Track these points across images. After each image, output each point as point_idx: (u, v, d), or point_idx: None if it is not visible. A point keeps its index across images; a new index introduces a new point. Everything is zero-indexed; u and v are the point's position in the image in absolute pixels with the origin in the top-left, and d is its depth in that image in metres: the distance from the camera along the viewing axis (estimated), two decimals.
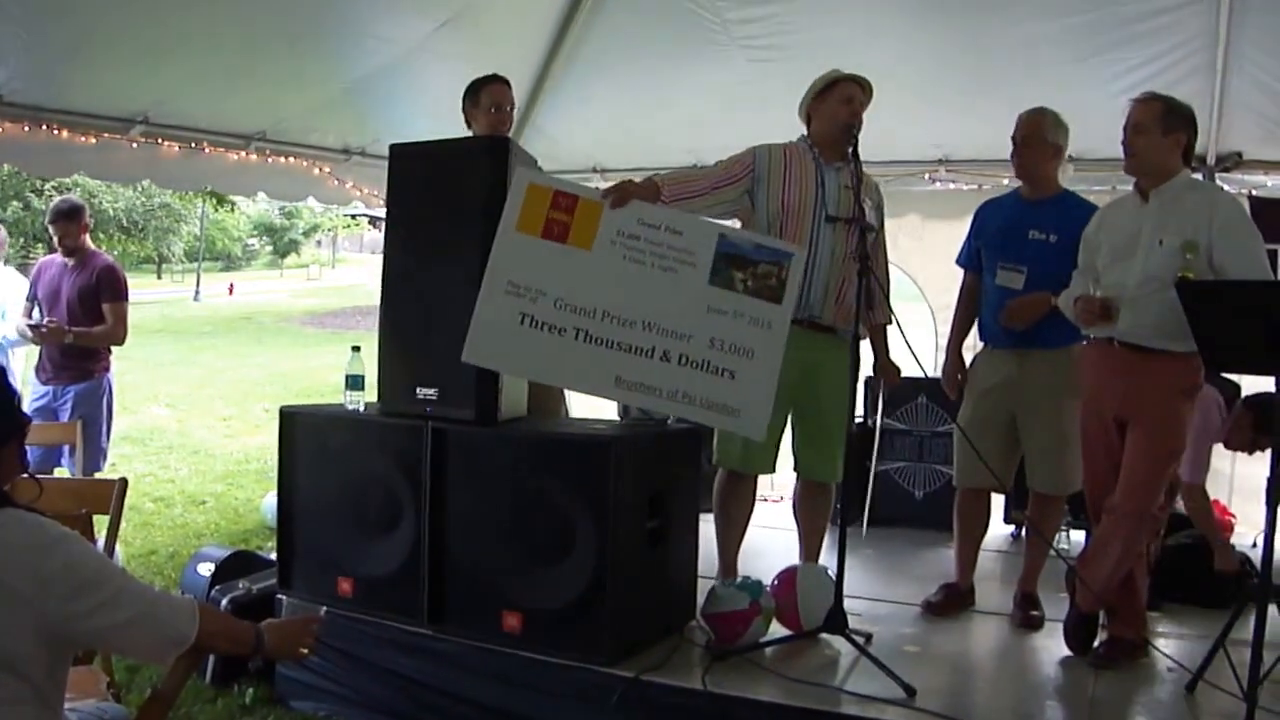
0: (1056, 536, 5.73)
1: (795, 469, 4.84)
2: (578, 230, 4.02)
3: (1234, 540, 6.17)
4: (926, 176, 6.97)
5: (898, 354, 4.77)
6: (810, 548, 4.87)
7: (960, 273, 5.11)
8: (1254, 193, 6.30)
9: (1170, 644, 4.33)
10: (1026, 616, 4.69)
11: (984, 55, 6.01)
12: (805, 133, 4.72)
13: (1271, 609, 3.60)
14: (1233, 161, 6.34)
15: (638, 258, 4.05)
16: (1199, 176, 5.64)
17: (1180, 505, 5.31)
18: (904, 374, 4.93)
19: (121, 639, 2.38)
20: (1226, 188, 5.57)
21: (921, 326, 5.02)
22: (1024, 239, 4.69)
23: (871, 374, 4.91)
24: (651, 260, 4.05)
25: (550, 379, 4.03)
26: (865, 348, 4.75)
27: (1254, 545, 5.94)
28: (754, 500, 4.86)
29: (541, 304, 3.97)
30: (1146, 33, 5.66)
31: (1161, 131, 4.02)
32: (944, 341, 5.03)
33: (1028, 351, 4.69)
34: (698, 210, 4.42)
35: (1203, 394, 4.66)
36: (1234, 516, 6.41)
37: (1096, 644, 4.22)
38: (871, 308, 4.09)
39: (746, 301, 4.08)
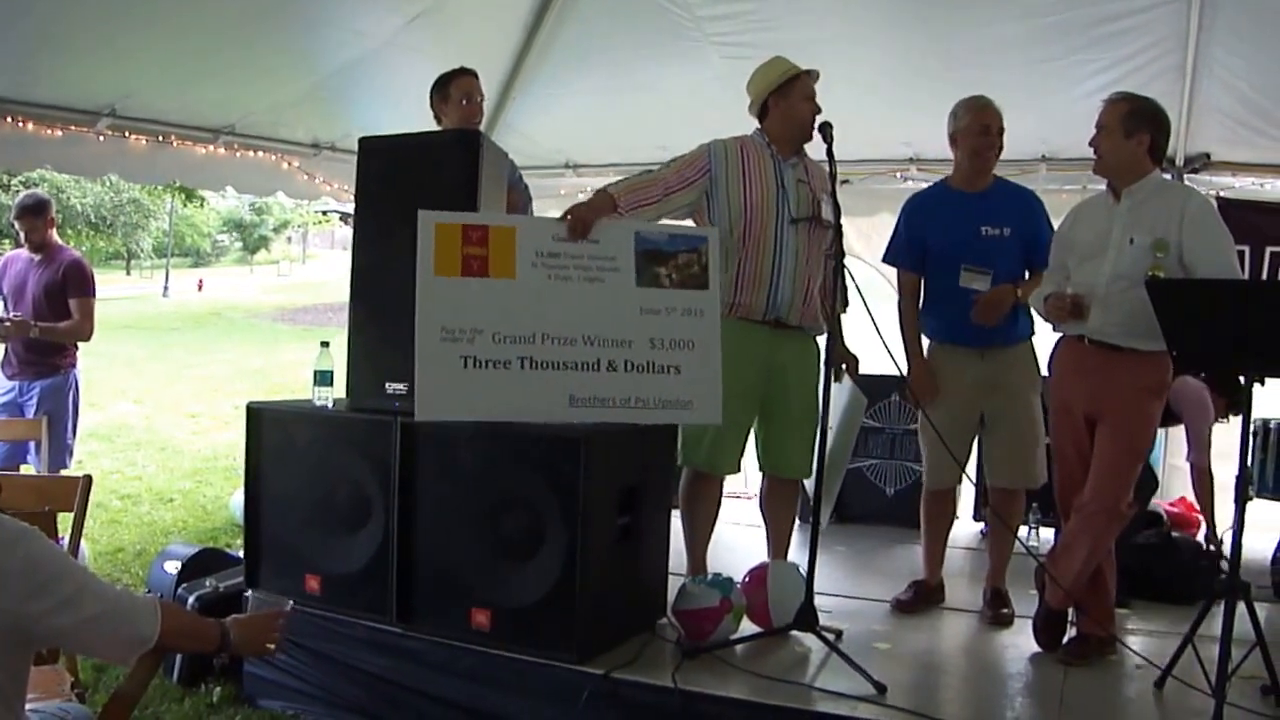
0: (1026, 533, 5.77)
1: (760, 466, 4.81)
2: (496, 260, 3.99)
3: (1199, 538, 6.21)
4: (898, 175, 7.01)
5: (873, 352, 4.78)
6: (779, 544, 4.86)
7: None
8: (1222, 194, 6.35)
9: (1139, 640, 4.35)
10: (996, 613, 4.71)
11: (955, 55, 6.03)
12: (759, 126, 4.67)
13: (1240, 605, 3.62)
14: (1201, 163, 6.39)
15: (563, 274, 4.05)
16: (1168, 177, 5.68)
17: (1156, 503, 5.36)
18: (879, 372, 4.92)
19: (82, 638, 2.34)
20: (1196, 189, 5.60)
21: (896, 324, 4.99)
22: (978, 237, 4.68)
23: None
24: (576, 274, 4.06)
25: (506, 414, 4.00)
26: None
27: (1220, 543, 5.98)
28: (720, 499, 4.84)
29: (480, 342, 3.95)
30: (1116, 34, 5.69)
31: (1124, 133, 4.05)
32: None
33: (987, 348, 4.70)
34: (653, 216, 4.42)
35: (1187, 381, 4.71)
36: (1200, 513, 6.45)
37: (1065, 640, 4.24)
38: (847, 306, 4.09)
39: (675, 295, 4.14)
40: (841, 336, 4.71)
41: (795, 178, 4.54)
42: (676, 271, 4.14)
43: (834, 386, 4.50)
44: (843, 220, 4.24)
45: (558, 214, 4.21)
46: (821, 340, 4.62)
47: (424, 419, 3.96)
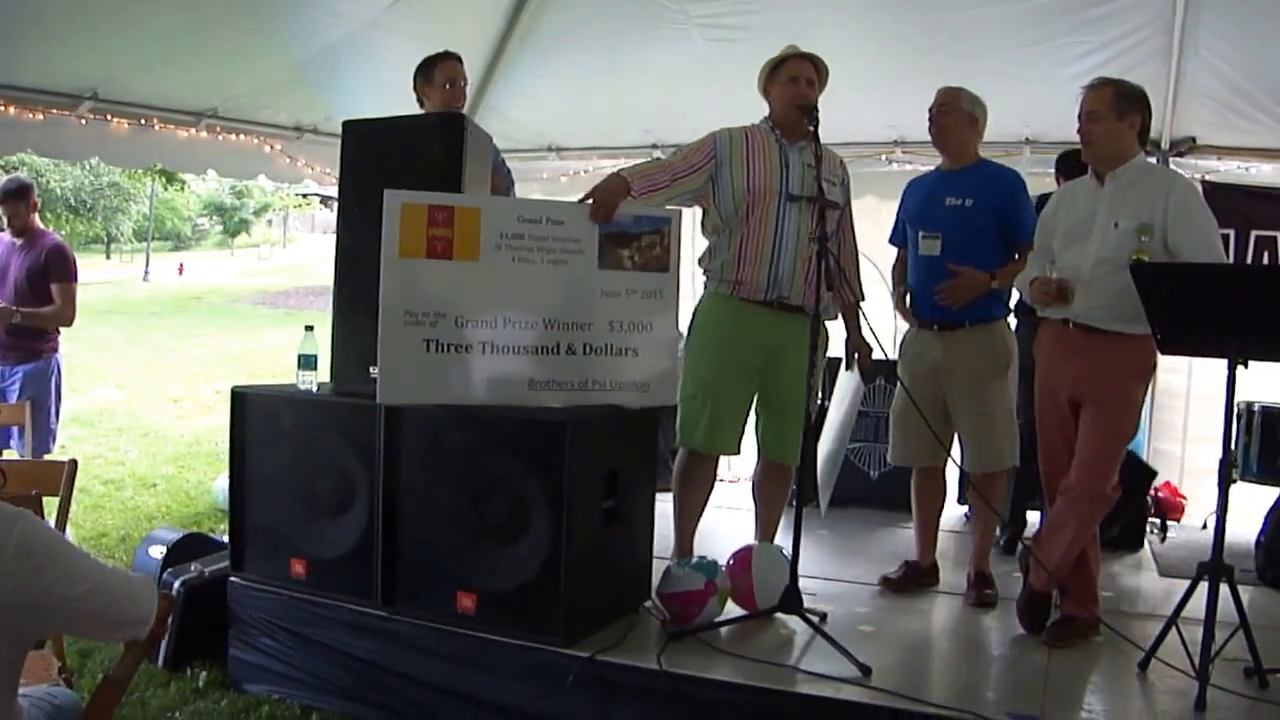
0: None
1: (758, 449, 4.83)
2: (460, 242, 4.00)
3: (1185, 521, 6.27)
4: (883, 158, 7.01)
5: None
6: (767, 528, 4.87)
7: None
8: (1207, 177, 6.36)
9: (1122, 622, 4.36)
10: (980, 595, 4.72)
11: (940, 38, 6.03)
12: (768, 113, 4.70)
13: (1223, 587, 3.64)
14: (1187, 146, 6.40)
15: (526, 257, 4.07)
16: (1153, 160, 5.69)
17: None
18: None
19: (75, 617, 2.32)
20: (1181, 172, 5.61)
21: (882, 309, 5.02)
22: (941, 206, 4.74)
23: (845, 354, 4.87)
24: (540, 256, 4.08)
25: (467, 399, 4.02)
26: (836, 328, 4.78)
27: (1204, 526, 6.01)
28: (714, 481, 4.84)
29: (443, 326, 3.98)
30: (1102, 17, 5.70)
31: (1116, 116, 4.05)
32: (904, 324, 5.05)
33: (952, 331, 4.73)
34: (662, 201, 4.43)
35: None
36: (1184, 498, 6.48)
37: (1049, 623, 4.25)
38: (831, 287, 4.10)
39: (636, 277, 4.18)
40: (859, 326, 4.77)
41: (802, 161, 4.54)
42: (639, 254, 4.18)
43: (845, 374, 4.54)
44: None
45: (540, 197, 4.21)
46: (830, 325, 4.66)
47: (386, 403, 4.02)
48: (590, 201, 4.16)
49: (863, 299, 4.80)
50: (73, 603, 2.27)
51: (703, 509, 4.83)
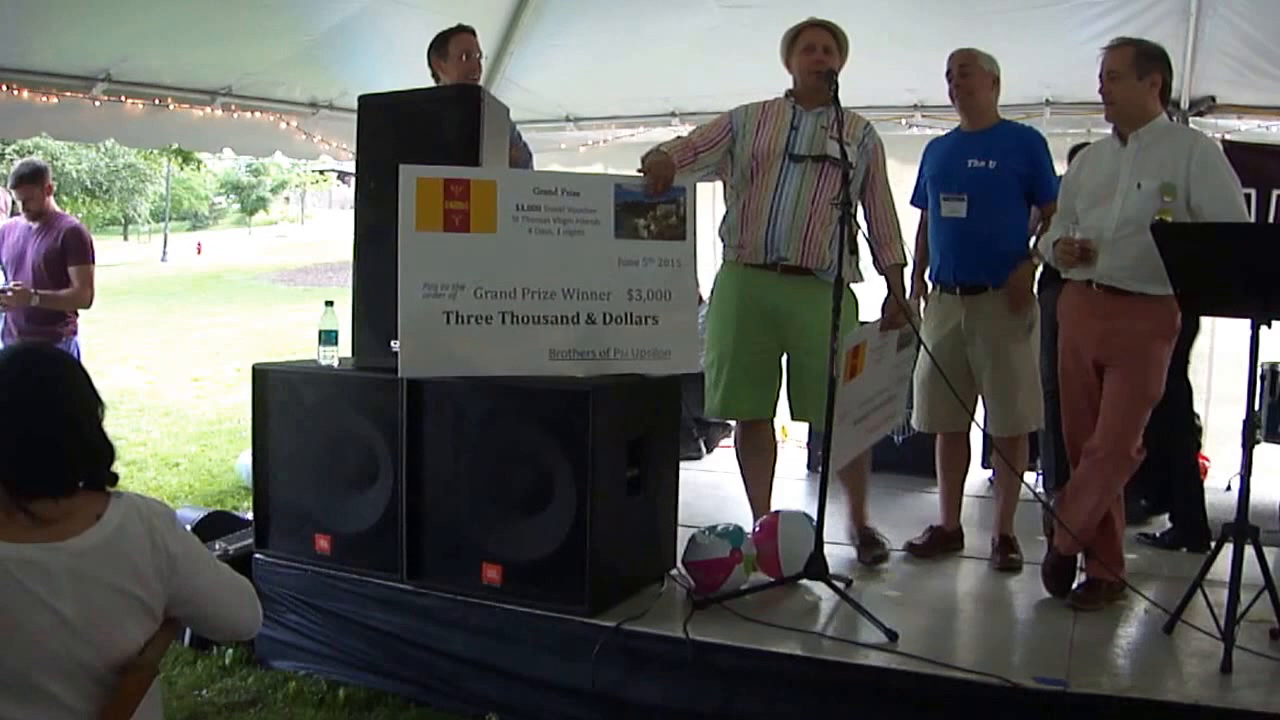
0: (1035, 479, 5.77)
1: (790, 415, 4.85)
2: (477, 215, 4.02)
3: (1208, 483, 6.22)
4: (902, 122, 6.96)
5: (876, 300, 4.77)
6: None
7: None
8: (1227, 136, 6.30)
9: (1148, 585, 4.35)
10: (1005, 559, 4.72)
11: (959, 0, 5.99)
12: (790, 84, 4.70)
13: (1248, 549, 3.63)
14: (1206, 105, 6.34)
15: (543, 228, 4.08)
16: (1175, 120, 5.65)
17: None
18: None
19: (204, 609, 2.40)
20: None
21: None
22: (963, 168, 4.72)
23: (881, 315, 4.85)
24: (557, 227, 4.10)
25: (487, 369, 4.03)
26: (868, 295, 4.80)
27: (1228, 488, 5.99)
28: (773, 448, 4.88)
29: (462, 298, 4.00)
30: None
31: (1136, 75, 4.03)
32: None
33: (975, 295, 4.71)
34: (686, 175, 4.44)
35: None
36: (1208, 460, 6.45)
37: (1075, 586, 4.25)
38: (855, 251, 4.09)
39: (653, 246, 4.20)
40: (902, 289, 4.75)
41: (817, 124, 4.54)
42: (655, 223, 4.20)
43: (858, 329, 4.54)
44: None
45: (558, 167, 4.22)
46: (857, 288, 4.68)
47: (408, 376, 4.03)
48: (648, 175, 4.21)
49: (905, 262, 4.78)
50: (199, 600, 2.35)
51: (768, 474, 4.88)
